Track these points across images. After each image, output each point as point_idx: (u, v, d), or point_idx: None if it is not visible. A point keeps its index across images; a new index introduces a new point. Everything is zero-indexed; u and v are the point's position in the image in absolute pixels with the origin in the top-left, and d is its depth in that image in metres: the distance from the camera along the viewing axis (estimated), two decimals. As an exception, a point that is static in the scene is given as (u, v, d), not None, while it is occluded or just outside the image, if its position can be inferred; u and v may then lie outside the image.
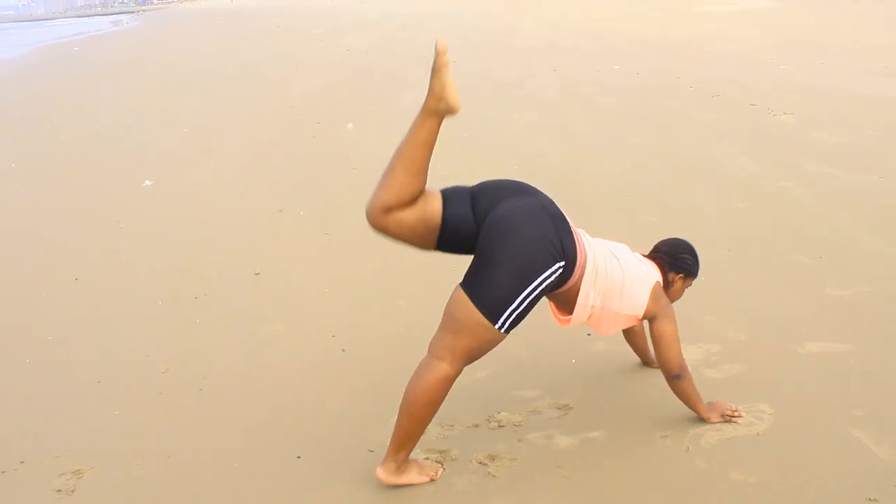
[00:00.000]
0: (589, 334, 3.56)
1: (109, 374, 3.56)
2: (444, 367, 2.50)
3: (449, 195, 2.56)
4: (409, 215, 2.52)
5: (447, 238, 2.56)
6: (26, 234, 5.49)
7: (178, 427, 3.12)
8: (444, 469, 2.71)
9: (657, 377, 3.18)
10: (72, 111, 9.70)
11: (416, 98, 9.59)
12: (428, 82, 2.46)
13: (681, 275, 2.96)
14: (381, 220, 2.53)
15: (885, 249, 4.16)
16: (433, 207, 2.53)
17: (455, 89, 2.43)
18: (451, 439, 2.90)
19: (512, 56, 11.98)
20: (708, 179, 5.52)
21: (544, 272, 2.46)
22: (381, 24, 17.34)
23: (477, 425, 2.98)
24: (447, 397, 2.64)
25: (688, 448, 2.73)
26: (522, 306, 2.46)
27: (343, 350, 3.64)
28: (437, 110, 2.45)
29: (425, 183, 2.52)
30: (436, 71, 2.41)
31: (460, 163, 6.36)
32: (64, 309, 4.31)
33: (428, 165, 2.50)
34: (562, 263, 2.49)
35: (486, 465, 2.73)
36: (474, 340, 2.49)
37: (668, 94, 8.38)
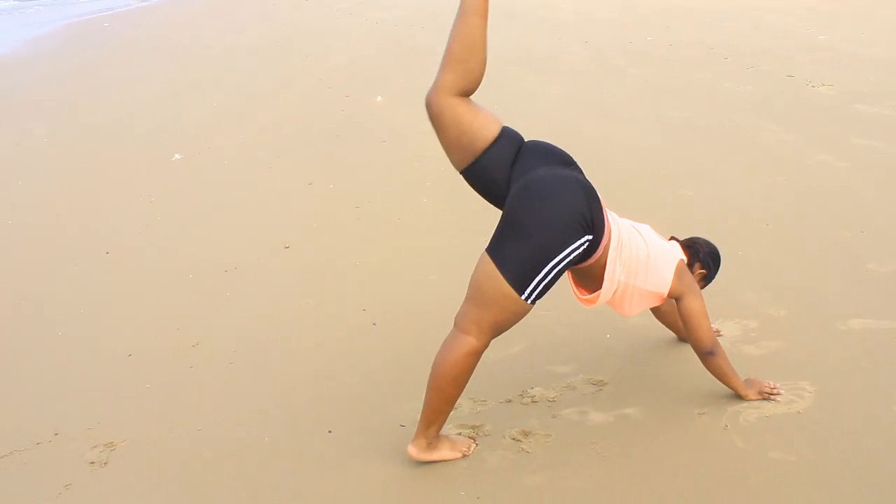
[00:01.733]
0: (623, 309, 3.49)
1: (140, 348, 3.57)
2: (470, 341, 2.46)
3: (506, 134, 2.49)
4: (465, 113, 2.43)
5: (478, 169, 2.48)
6: (59, 210, 5.52)
7: (208, 401, 3.12)
8: (476, 445, 2.68)
9: (692, 353, 3.12)
10: (102, 89, 9.73)
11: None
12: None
13: (703, 271, 2.91)
14: (440, 100, 2.43)
15: (930, 225, 4.03)
16: (488, 131, 2.46)
17: None
18: (483, 414, 2.86)
19: (544, 28, 11.79)
20: (745, 152, 5.39)
21: (572, 244, 2.40)
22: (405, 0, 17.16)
23: (510, 401, 2.94)
24: (480, 372, 2.62)
25: (726, 426, 2.67)
26: (549, 277, 2.41)
27: (374, 324, 3.62)
28: None
29: (485, 62, 2.42)
30: None
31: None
32: (96, 283, 4.32)
33: (485, 39, 2.40)
34: (589, 237, 2.43)
35: (519, 441, 2.70)
36: (500, 312, 2.44)
37: (702, 66, 8.19)
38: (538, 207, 2.40)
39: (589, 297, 2.70)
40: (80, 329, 3.82)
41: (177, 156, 6.63)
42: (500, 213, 2.50)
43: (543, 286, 2.41)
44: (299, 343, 3.50)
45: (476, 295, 2.45)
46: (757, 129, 5.86)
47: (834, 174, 4.84)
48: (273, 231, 4.84)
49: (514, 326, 2.51)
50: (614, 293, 2.65)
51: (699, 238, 2.97)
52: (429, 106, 2.46)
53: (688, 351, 3.14)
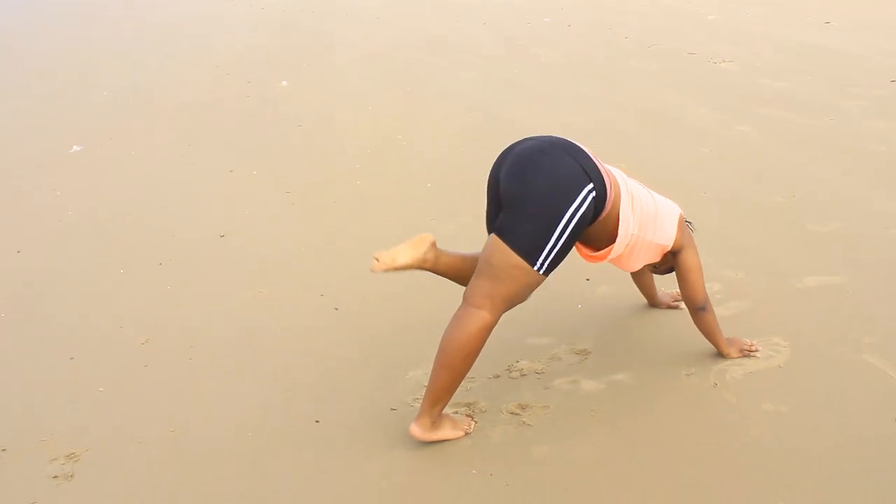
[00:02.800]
0: (588, 279, 3.52)
1: (83, 350, 3.30)
2: (483, 315, 2.40)
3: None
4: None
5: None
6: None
7: (174, 400, 2.91)
8: (475, 422, 2.63)
9: (667, 318, 3.19)
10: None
11: (346, 54, 9.34)
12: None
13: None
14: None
15: (850, 188, 4.27)
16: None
17: (399, 255, 2.69)
18: (475, 391, 2.81)
19: (439, 10, 11.75)
20: (667, 127, 5.55)
21: (575, 200, 2.35)
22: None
23: (498, 376, 2.90)
24: None
25: (715, 384, 2.73)
26: (560, 243, 2.37)
27: (336, 309, 3.49)
28: (424, 268, 2.68)
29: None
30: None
31: (409, 123, 6.20)
32: (11, 285, 3.96)
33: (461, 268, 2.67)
34: (591, 185, 2.37)
35: (518, 414, 2.66)
36: (513, 285, 2.39)
37: (605, 45, 8.38)
38: (529, 178, 2.37)
39: (596, 253, 2.67)
40: (7, 336, 3.48)
41: (75, 147, 6.18)
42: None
43: (556, 254, 2.37)
44: (261, 334, 3.33)
45: (487, 270, 2.39)
46: (673, 104, 6.05)
47: (754, 144, 5.05)
48: (202, 220, 4.58)
49: None
50: (625, 247, 2.62)
51: None
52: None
53: (660, 316, 3.21)
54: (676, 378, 2.79)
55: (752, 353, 2.86)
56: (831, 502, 2.20)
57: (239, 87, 7.88)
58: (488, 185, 2.58)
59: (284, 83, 7.88)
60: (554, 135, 2.55)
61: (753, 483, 2.28)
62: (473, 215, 4.27)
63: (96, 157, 5.91)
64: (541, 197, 2.35)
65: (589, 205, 2.38)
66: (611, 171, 2.58)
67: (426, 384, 2.81)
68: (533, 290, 2.45)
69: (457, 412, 2.68)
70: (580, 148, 2.48)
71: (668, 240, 2.67)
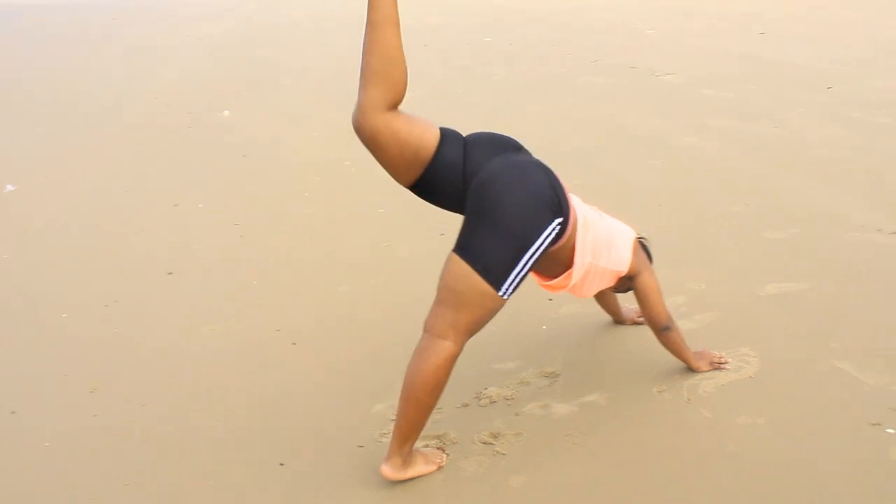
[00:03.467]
0: (550, 300, 3.46)
1: (25, 402, 3.10)
2: (448, 346, 2.30)
3: (446, 135, 2.34)
4: (402, 126, 2.24)
5: (429, 178, 2.33)
6: None
7: (129, 452, 2.74)
8: (447, 454, 2.53)
9: (633, 334, 3.15)
10: None
11: (288, 80, 9.24)
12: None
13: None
14: (372, 120, 2.20)
15: (802, 194, 4.32)
16: (429, 137, 2.30)
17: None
18: (444, 422, 2.71)
19: (378, 35, 11.72)
20: (618, 139, 5.57)
21: (545, 230, 2.28)
22: (235, 13, 16.56)
23: (467, 404, 2.80)
24: None
25: (688, 399, 2.68)
26: (526, 268, 2.29)
27: (294, 343, 3.36)
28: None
29: (406, 72, 2.21)
30: None
31: (356, 147, 6.08)
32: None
33: (401, 48, 2.19)
34: (560, 220, 2.33)
35: (490, 443, 2.57)
36: (478, 311, 2.30)
37: (549, 62, 8.44)
38: (504, 199, 2.26)
39: (552, 282, 2.62)
40: (-58, 390, 3.27)
41: (9, 187, 5.93)
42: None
43: (520, 279, 2.30)
44: (219, 374, 3.18)
45: (450, 297, 2.29)
46: (622, 116, 6.09)
47: (705, 154, 5.09)
48: (148, 258, 4.41)
49: None
50: (584, 274, 2.58)
51: None
52: (360, 129, 2.24)
53: (626, 333, 3.17)
54: (649, 396, 2.73)
55: (721, 366, 2.83)
56: (816, 515, 2.16)
57: (180, 118, 7.71)
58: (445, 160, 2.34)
59: (226, 112, 7.73)
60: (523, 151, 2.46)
61: (738, 498, 2.22)
62: (428, 239, 4.20)
63: (31, 197, 5.68)
64: (516, 224, 2.25)
65: (553, 239, 2.33)
66: (569, 196, 2.53)
67: (393, 418, 2.71)
68: (495, 314, 2.37)
69: (427, 445, 2.58)
70: (551, 171, 2.40)
71: (622, 265, 2.64)
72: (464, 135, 2.46)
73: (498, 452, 2.52)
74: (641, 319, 3.17)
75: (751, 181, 4.56)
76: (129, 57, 11.80)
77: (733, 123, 5.59)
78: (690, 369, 2.82)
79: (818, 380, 2.72)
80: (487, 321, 2.38)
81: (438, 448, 2.56)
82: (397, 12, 2.18)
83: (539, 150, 2.59)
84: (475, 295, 2.27)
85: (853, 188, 4.28)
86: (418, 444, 2.56)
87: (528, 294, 3.43)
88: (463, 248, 2.29)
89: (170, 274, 4.17)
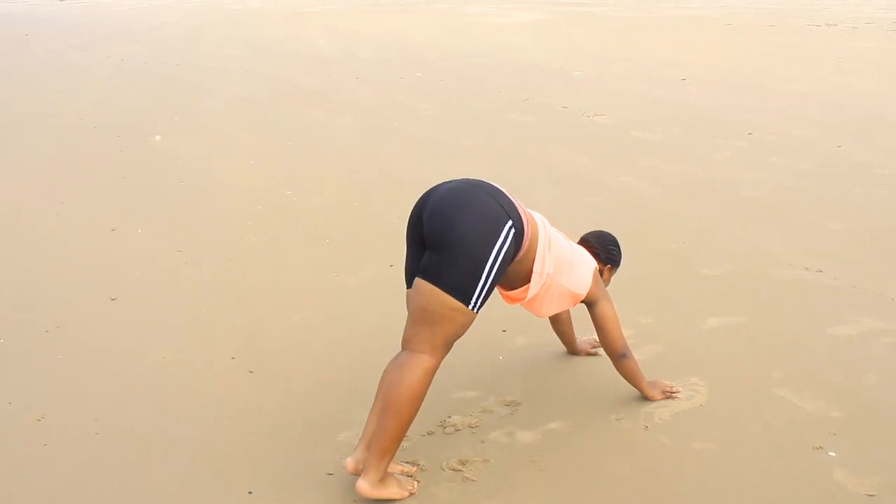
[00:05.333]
0: (504, 330, 3.55)
1: (-35, 431, 2.97)
2: (426, 359, 2.42)
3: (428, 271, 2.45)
4: (447, 335, 2.45)
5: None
6: None
7: (83, 482, 2.66)
8: (418, 482, 2.56)
9: (587, 365, 3.27)
10: None
11: (220, 107, 9.17)
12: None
13: (608, 266, 3.06)
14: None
15: (734, 233, 4.58)
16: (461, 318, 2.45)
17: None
18: (410, 450, 2.75)
19: (309, 65, 11.75)
20: (552, 177, 5.76)
21: (499, 238, 2.42)
22: (152, 35, 16.24)
23: (432, 432, 2.85)
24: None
25: (646, 426, 2.81)
26: (490, 280, 2.42)
27: (251, 372, 3.33)
28: None
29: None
30: None
31: (296, 176, 6.12)
32: None
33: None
34: (511, 222, 2.46)
35: (459, 470, 2.62)
36: (451, 326, 2.42)
37: (481, 99, 8.65)
38: (453, 221, 2.41)
39: (512, 293, 2.75)
40: None
41: (-73, 207, 5.65)
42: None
43: (486, 290, 2.42)
44: (173, 402, 3.12)
45: (424, 316, 2.40)
46: (555, 155, 6.30)
47: (638, 192, 5.33)
48: (88, 283, 4.28)
49: None
50: (540, 287, 2.69)
51: (587, 236, 3.09)
52: None
53: (581, 364, 3.29)
54: (608, 423, 2.85)
55: (673, 395, 2.97)
56: (773, 534, 2.30)
57: (108, 142, 7.51)
58: (409, 226, 2.59)
59: (158, 137, 7.58)
60: (470, 178, 2.61)
61: (701, 521, 2.35)
62: (376, 269, 4.25)
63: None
64: (468, 238, 2.39)
65: (511, 242, 2.46)
66: (531, 214, 2.69)
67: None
68: (468, 328, 2.48)
69: (402, 472, 2.61)
70: (499, 188, 2.57)
71: (581, 288, 2.78)
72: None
73: (468, 479, 2.58)
74: (595, 350, 3.31)
75: (684, 220, 4.80)
76: (51, 77, 11.44)
77: (664, 164, 5.87)
78: (644, 397, 2.95)
79: (763, 407, 2.90)
80: (461, 334, 2.49)
81: (407, 475, 2.60)
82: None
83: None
84: (447, 311, 2.38)
85: (779, 229, 4.57)
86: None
87: (482, 326, 3.52)
88: (427, 272, 2.42)
89: (113, 299, 4.07)
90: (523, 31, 14.57)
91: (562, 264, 2.70)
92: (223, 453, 2.78)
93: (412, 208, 2.58)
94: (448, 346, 2.46)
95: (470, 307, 2.40)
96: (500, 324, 3.56)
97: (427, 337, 2.40)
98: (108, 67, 12.33)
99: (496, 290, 2.80)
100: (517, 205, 2.55)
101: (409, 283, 2.55)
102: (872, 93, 7.88)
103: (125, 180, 6.25)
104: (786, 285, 3.89)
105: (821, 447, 2.66)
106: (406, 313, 2.51)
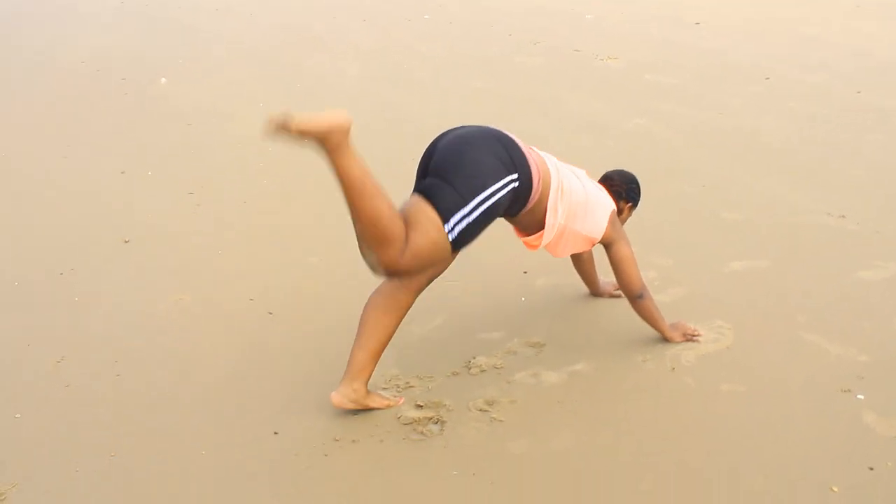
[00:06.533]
0: (525, 272, 3.52)
1: (-15, 372, 2.96)
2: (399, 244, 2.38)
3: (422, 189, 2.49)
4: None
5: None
6: None
7: (109, 422, 2.66)
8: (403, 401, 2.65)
9: (610, 306, 3.24)
10: None
11: (224, 50, 8.92)
12: None
13: (629, 204, 3.02)
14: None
15: (752, 179, 4.49)
16: (434, 232, 2.41)
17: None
18: (437, 391, 2.73)
19: (313, 7, 11.50)
20: (566, 120, 5.65)
21: (496, 184, 2.45)
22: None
23: (457, 373, 2.83)
24: (416, 348, 2.88)
25: (672, 368, 2.79)
26: (474, 215, 2.42)
27: (270, 313, 3.30)
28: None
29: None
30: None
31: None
32: None
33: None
34: (514, 175, 2.49)
35: (486, 410, 2.61)
36: (423, 237, 2.38)
37: (489, 42, 8.46)
38: (461, 153, 2.46)
39: (528, 238, 2.78)
40: None
41: (-68, 150, 5.57)
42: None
43: (467, 225, 2.41)
44: (192, 344, 3.10)
45: (406, 219, 2.40)
46: (566, 98, 6.18)
47: (654, 136, 5.24)
48: (100, 225, 4.23)
49: (429, 299, 2.62)
50: (553, 235, 2.73)
51: (611, 174, 3.04)
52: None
53: (604, 305, 3.26)
54: (634, 365, 2.83)
55: (694, 338, 2.94)
56: (806, 471, 2.29)
57: (113, 85, 7.37)
58: (420, 165, 2.60)
59: (164, 80, 7.44)
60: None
61: (734, 460, 2.34)
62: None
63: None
64: (467, 170, 2.43)
65: (506, 194, 2.48)
66: (545, 159, 2.70)
67: (384, 387, 2.74)
68: (440, 259, 2.46)
69: (421, 416, 2.59)
70: (512, 139, 2.58)
71: (596, 232, 2.77)
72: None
73: (495, 419, 2.57)
74: (618, 293, 3.27)
75: (702, 164, 4.73)
76: (48, 20, 11.20)
77: (678, 108, 5.76)
78: (664, 339, 2.93)
79: (789, 350, 2.88)
80: (433, 260, 2.45)
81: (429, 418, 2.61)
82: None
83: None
84: (423, 218, 2.39)
85: (799, 174, 4.49)
86: (412, 410, 2.60)
87: (504, 267, 3.51)
88: (422, 189, 2.47)
89: (126, 242, 4.02)
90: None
91: (575, 210, 2.70)
92: (246, 394, 2.77)
93: (426, 149, 2.59)
94: (417, 259, 2.39)
95: (446, 230, 2.38)
96: (521, 265, 3.52)
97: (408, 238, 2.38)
98: (107, 11, 12.06)
99: (516, 234, 2.83)
100: (528, 156, 2.57)
101: None
102: (893, 38, 7.71)
103: (132, 123, 6.14)
104: (808, 230, 3.84)
105: (849, 390, 2.64)
106: None
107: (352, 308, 3.27)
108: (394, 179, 4.53)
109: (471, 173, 2.42)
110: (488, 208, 2.44)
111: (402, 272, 2.41)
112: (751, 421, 2.51)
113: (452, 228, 2.40)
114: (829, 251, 3.63)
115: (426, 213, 2.39)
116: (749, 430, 2.47)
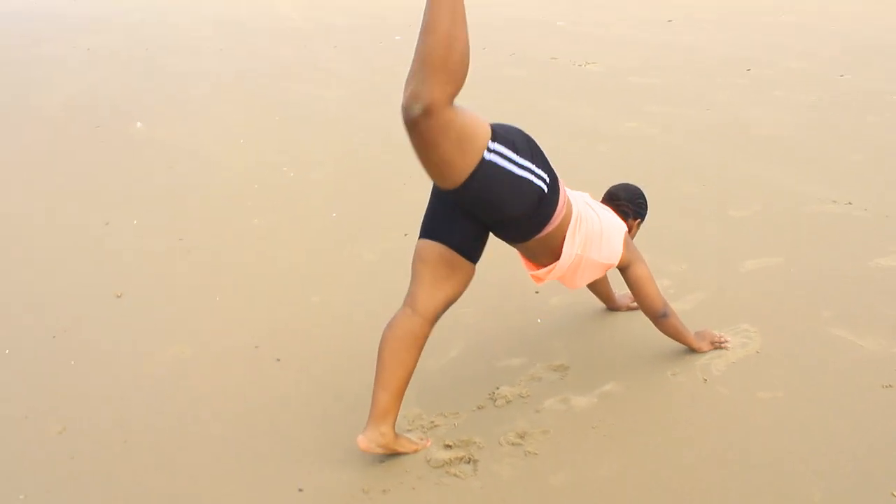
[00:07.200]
0: (537, 292, 3.40)
1: (-16, 450, 2.79)
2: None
3: (495, 129, 2.26)
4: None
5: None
6: None
7: (120, 494, 2.50)
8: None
9: (629, 319, 3.13)
10: None
11: (198, 89, 8.77)
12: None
13: (638, 220, 2.93)
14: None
15: (753, 172, 4.43)
16: (484, 128, 2.21)
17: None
18: (464, 427, 2.60)
19: (283, 38, 11.41)
20: (556, 128, 5.57)
21: (536, 170, 2.32)
22: (116, 21, 15.75)
23: (482, 407, 2.70)
24: (436, 385, 2.74)
25: (704, 379, 2.68)
26: (509, 163, 2.25)
27: (278, 360, 3.16)
28: None
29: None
30: None
31: (290, 152, 5.90)
32: None
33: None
34: (546, 178, 2.34)
35: (519, 444, 2.48)
36: (471, 119, 2.19)
37: (466, 58, 8.41)
38: (494, 203, 2.30)
39: (540, 272, 2.62)
40: None
41: None
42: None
43: (501, 162, 2.23)
44: (201, 400, 2.95)
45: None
46: (554, 106, 6.11)
47: (648, 138, 5.16)
48: (89, 281, 4.07)
49: (443, 329, 2.51)
50: (569, 266, 2.58)
51: (616, 191, 2.93)
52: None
53: (622, 319, 3.15)
54: (664, 380, 2.71)
55: (723, 345, 2.84)
56: (865, 476, 2.18)
57: (88, 133, 7.22)
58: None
59: (139, 124, 7.30)
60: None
61: (787, 472, 2.22)
62: (390, 240, 4.07)
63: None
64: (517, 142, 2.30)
65: (535, 188, 2.33)
66: (563, 188, 2.53)
67: (408, 429, 2.61)
68: (468, 144, 2.18)
69: (450, 446, 2.47)
70: (541, 151, 2.42)
71: (613, 258, 2.65)
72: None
73: (529, 452, 2.44)
74: (635, 304, 3.17)
75: (700, 162, 4.65)
76: (16, 69, 11.03)
77: (668, 108, 5.70)
78: (692, 351, 2.82)
79: (821, 348, 2.78)
80: (460, 138, 2.16)
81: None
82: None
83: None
84: (478, 119, 2.21)
85: (798, 164, 4.43)
86: (441, 452, 2.47)
87: (516, 289, 3.40)
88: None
89: (119, 297, 3.87)
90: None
91: (591, 241, 2.57)
92: (263, 450, 2.62)
93: None
94: (451, 127, 2.13)
95: (489, 145, 2.20)
96: (533, 285, 3.40)
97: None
98: (76, 57, 11.92)
99: (525, 266, 2.71)
100: (558, 177, 2.44)
101: (425, 234, 2.44)
102: (868, 20, 7.72)
103: (111, 171, 5.99)
104: (817, 221, 3.76)
105: (890, 385, 2.55)
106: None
107: (362, 345, 3.17)
108: (388, 199, 4.44)
109: (521, 146, 2.28)
110: (520, 176, 2.25)
111: (434, 120, 2.06)
112: (796, 428, 2.40)
113: (493, 150, 2.20)
114: (841, 241, 3.54)
115: (482, 123, 2.20)
116: (797, 438, 2.36)
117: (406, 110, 2.07)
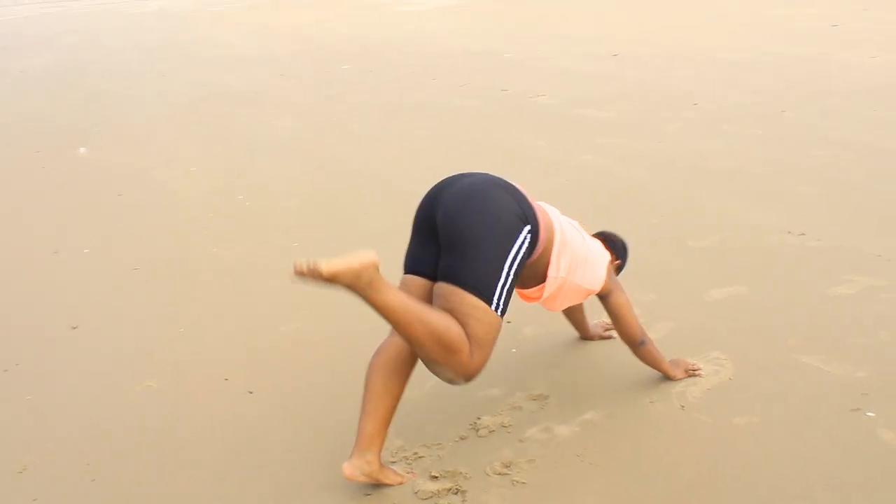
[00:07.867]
0: (509, 322, 3.41)
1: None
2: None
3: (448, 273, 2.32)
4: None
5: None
6: None
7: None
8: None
9: (602, 347, 3.18)
10: None
11: (142, 114, 8.65)
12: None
13: (618, 261, 2.99)
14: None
15: (708, 203, 4.56)
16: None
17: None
18: (448, 458, 2.58)
19: (228, 64, 11.30)
20: (512, 160, 5.64)
21: (517, 239, 2.35)
22: (48, 44, 15.37)
23: (465, 437, 2.69)
24: (415, 416, 2.72)
25: (682, 406, 2.73)
26: (509, 280, 2.32)
27: (250, 392, 3.09)
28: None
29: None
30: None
31: (244, 179, 5.83)
32: None
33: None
34: (528, 227, 2.39)
35: (506, 473, 2.48)
36: (482, 327, 2.26)
37: (417, 88, 8.46)
38: (470, 220, 2.32)
39: (527, 291, 2.68)
40: None
41: None
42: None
43: (507, 292, 2.31)
44: (171, 436, 2.85)
45: (452, 314, 2.26)
46: (507, 138, 6.19)
47: (604, 170, 5.27)
48: (41, 313, 3.93)
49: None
50: (555, 289, 2.62)
51: (607, 232, 3.02)
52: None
53: (597, 347, 3.19)
54: (642, 407, 2.75)
55: (696, 373, 2.90)
56: (842, 497, 2.24)
57: (27, 159, 7.01)
58: (419, 215, 2.47)
59: (82, 150, 7.11)
60: (486, 172, 2.53)
61: (769, 497, 2.27)
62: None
63: None
64: (488, 240, 2.30)
65: (527, 247, 2.39)
66: (546, 210, 2.60)
67: (393, 455, 2.58)
68: (496, 332, 2.32)
69: (436, 477, 2.44)
70: (517, 188, 2.48)
71: (596, 284, 2.71)
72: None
73: (517, 482, 2.43)
74: (608, 333, 3.22)
75: (655, 194, 4.77)
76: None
77: (619, 140, 5.84)
78: (667, 378, 2.88)
79: (790, 374, 2.86)
80: (493, 338, 2.32)
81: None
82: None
83: (435, 174, 2.62)
84: (469, 309, 2.26)
85: (750, 195, 4.58)
86: (428, 483, 2.45)
87: (531, 304, 3.39)
88: (448, 273, 2.31)
89: (74, 328, 3.74)
90: (443, 17, 14.42)
91: (576, 263, 2.62)
92: (240, 489, 2.55)
93: (424, 196, 2.48)
94: (482, 346, 2.28)
95: (493, 307, 2.27)
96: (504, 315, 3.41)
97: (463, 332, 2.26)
98: (8, 81, 11.59)
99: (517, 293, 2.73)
100: (534, 205, 2.48)
101: (408, 269, 2.46)
102: (806, 59, 8.08)
103: (56, 198, 5.81)
104: (774, 251, 3.89)
105: (858, 409, 2.63)
106: None
107: (339, 374, 3.14)
108: (350, 228, 4.42)
109: (492, 239, 2.29)
110: (517, 267, 2.34)
111: (480, 368, 2.30)
112: (773, 452, 2.46)
113: (498, 304, 2.29)
114: (799, 270, 3.67)
115: (469, 301, 2.24)
116: (776, 462, 2.41)
117: (458, 383, 2.36)
